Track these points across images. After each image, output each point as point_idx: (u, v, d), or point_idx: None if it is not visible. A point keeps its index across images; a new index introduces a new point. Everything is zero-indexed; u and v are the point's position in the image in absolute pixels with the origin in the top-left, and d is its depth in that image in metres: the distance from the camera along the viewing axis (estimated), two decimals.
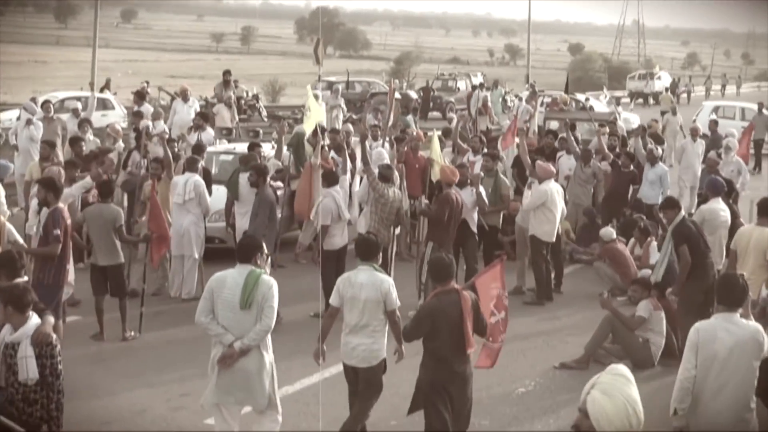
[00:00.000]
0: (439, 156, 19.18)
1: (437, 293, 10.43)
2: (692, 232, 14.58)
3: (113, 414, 12.61)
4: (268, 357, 10.83)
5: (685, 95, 76.51)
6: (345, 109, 38.62)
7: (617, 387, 5.63)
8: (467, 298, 10.27)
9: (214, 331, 10.61)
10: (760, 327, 9.26)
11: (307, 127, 18.26)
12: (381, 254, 11.67)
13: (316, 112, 19.31)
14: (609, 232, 19.58)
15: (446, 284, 10.37)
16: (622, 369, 5.80)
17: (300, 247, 17.48)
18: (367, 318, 10.99)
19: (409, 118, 31.61)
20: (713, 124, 29.46)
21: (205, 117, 25.22)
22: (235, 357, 10.49)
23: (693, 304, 13.96)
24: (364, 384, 11.31)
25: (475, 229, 17.86)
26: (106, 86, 42.40)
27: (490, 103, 41.14)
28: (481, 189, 17.83)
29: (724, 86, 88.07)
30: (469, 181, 17.77)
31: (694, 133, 26.41)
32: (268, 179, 17.05)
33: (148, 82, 43.56)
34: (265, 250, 11.28)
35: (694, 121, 44.05)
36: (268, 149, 21.44)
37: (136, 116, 21.56)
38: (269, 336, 10.78)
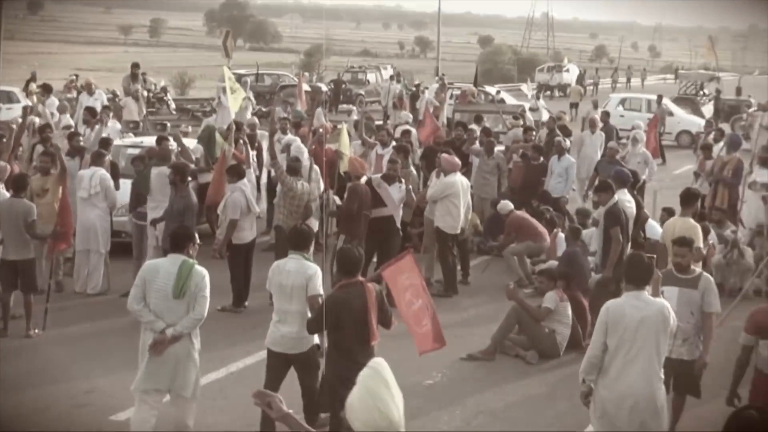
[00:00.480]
0: (347, 148, 19.21)
1: (342, 285, 10.55)
2: (622, 216, 15.06)
3: (15, 412, 12.41)
4: (197, 345, 11.06)
5: (591, 87, 77.27)
6: (254, 101, 38.40)
7: (368, 385, 5.51)
8: (372, 290, 10.36)
9: (146, 318, 10.82)
10: (666, 303, 9.88)
11: (234, 107, 18.27)
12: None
13: (240, 91, 19.33)
14: (505, 204, 19.81)
15: (352, 277, 10.48)
16: (378, 365, 5.63)
17: (217, 242, 17.34)
18: (295, 305, 11.22)
19: (319, 110, 31.58)
20: (605, 116, 29.62)
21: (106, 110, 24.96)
22: (166, 344, 10.68)
23: (608, 290, 14.25)
24: (301, 370, 11.49)
25: (399, 226, 17.78)
26: (32, 79, 41.64)
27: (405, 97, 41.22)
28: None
29: (629, 79, 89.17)
30: (398, 177, 17.61)
31: (593, 124, 26.57)
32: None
33: (77, 75, 43.01)
34: (197, 240, 11.36)
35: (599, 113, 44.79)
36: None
37: (24, 110, 21.05)
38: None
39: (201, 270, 10.97)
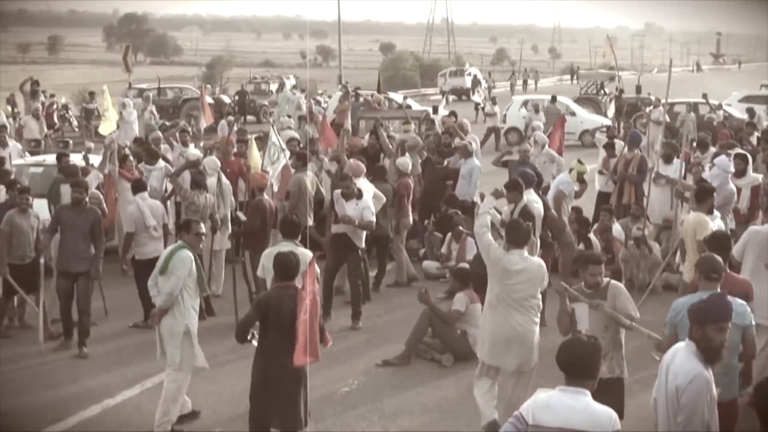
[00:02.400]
0: (257, 161, 19.12)
1: (276, 287, 10.93)
2: (534, 217, 15.24)
3: None
4: (182, 320, 12.03)
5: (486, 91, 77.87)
6: (157, 115, 38.11)
7: None
8: (304, 297, 10.34)
9: (152, 293, 12.44)
10: (542, 261, 12.09)
11: (103, 129, 18.11)
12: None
13: (112, 113, 19.16)
14: (403, 161, 20.15)
15: (288, 281, 10.81)
16: None
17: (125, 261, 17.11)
18: None
19: (223, 122, 31.52)
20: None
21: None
22: (156, 316, 12.15)
23: None
24: None
25: (360, 244, 17.27)
26: None
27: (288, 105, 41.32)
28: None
29: (525, 81, 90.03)
30: (355, 193, 17.19)
31: None
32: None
33: (53, 95, 42.50)
34: (198, 230, 12.68)
35: (504, 116, 45.23)
36: (77, 159, 20.90)
37: None
38: (187, 303, 12.10)
39: (182, 252, 12.18)
